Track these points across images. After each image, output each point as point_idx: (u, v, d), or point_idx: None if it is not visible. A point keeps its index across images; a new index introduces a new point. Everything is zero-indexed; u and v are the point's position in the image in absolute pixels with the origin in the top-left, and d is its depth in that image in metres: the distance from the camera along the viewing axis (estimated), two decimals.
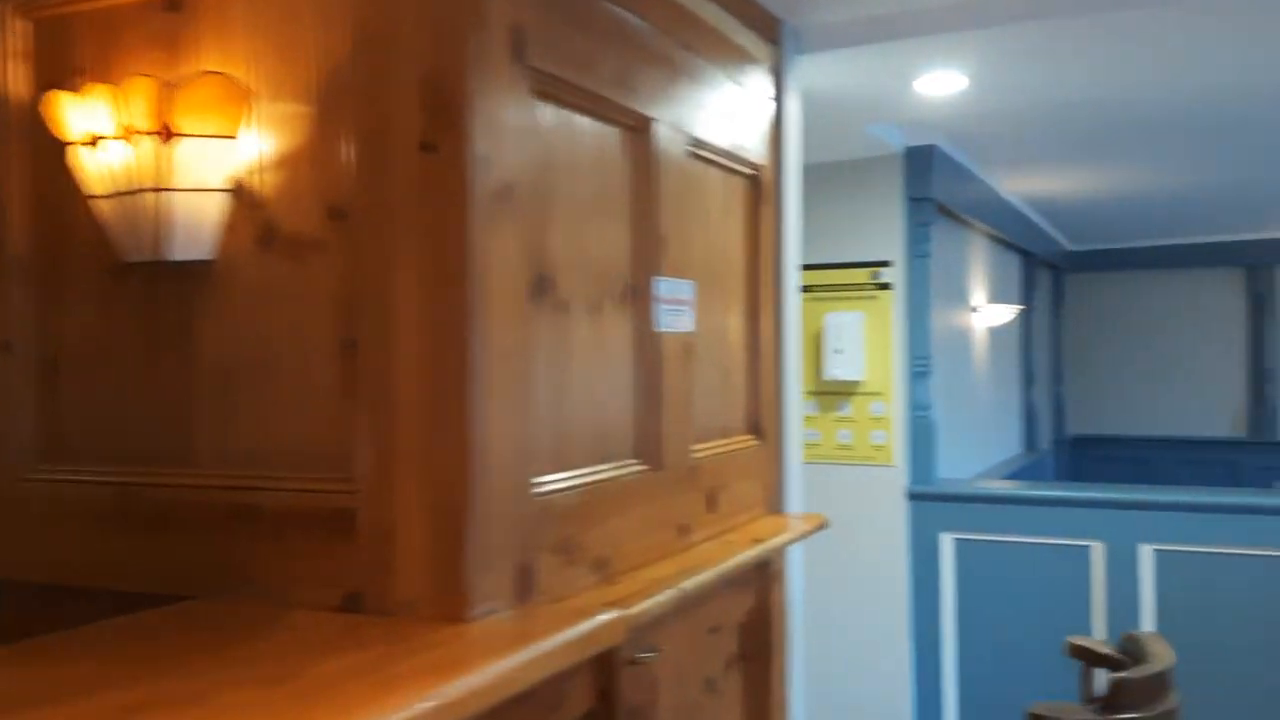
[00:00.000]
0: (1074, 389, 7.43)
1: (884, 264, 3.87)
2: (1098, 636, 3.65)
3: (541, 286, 1.60)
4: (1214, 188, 5.26)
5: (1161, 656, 1.75)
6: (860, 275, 3.89)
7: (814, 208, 3.96)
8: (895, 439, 3.86)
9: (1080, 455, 7.39)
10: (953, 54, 2.68)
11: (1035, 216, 6.07)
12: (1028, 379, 6.18)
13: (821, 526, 2.42)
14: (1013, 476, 5.50)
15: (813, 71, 2.69)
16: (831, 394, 3.93)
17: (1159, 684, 1.67)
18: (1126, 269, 7.31)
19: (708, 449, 2.12)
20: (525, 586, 1.50)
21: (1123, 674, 1.74)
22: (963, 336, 4.90)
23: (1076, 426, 7.43)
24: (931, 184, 3.81)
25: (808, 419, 3.96)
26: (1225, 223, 6.45)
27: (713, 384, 2.18)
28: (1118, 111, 3.53)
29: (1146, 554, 3.58)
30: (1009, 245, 5.82)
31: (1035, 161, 4.46)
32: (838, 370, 3.82)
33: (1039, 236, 6.30)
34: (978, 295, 5.10)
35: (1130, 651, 1.87)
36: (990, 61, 2.75)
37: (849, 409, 3.91)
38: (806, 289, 3.87)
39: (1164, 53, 2.78)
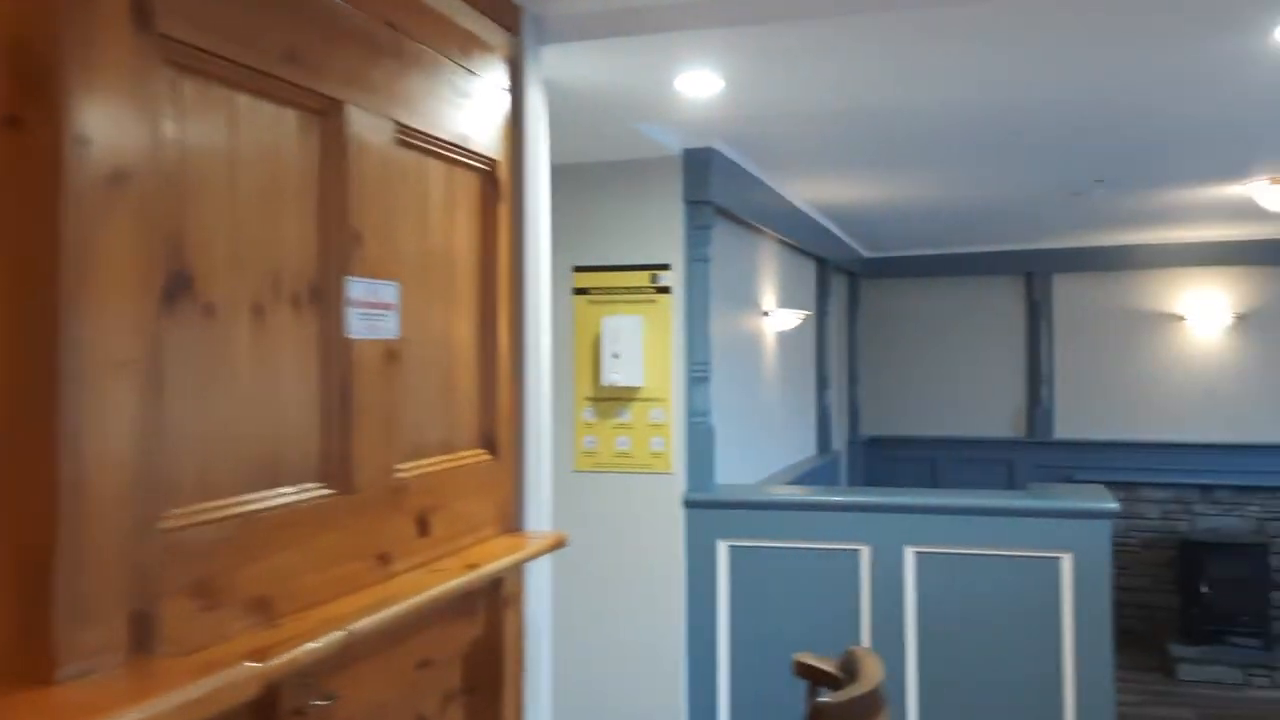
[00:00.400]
0: (869, 392, 7.64)
1: (663, 267, 3.80)
2: (865, 639, 3.68)
3: (177, 287, 1.38)
4: (995, 200, 5.47)
5: (870, 676, 1.70)
6: (639, 278, 3.80)
7: (591, 209, 3.85)
8: (673, 446, 3.79)
9: (874, 456, 7.61)
10: (706, 53, 2.60)
11: (830, 224, 6.19)
12: (822, 382, 6.29)
13: (559, 545, 2.28)
14: (804, 478, 5.56)
15: (562, 64, 2.56)
16: (610, 400, 3.82)
17: (863, 707, 1.61)
18: (918, 276, 7.57)
19: (419, 467, 1.95)
20: (144, 638, 1.29)
21: (823, 699, 1.68)
22: (753, 341, 4.91)
23: (871, 428, 7.64)
24: (710, 187, 3.76)
25: (585, 426, 3.84)
26: (1007, 233, 6.76)
27: (429, 395, 2.00)
28: (891, 122, 3.57)
29: (910, 556, 3.63)
30: (803, 252, 5.90)
31: (819, 169, 4.49)
32: (616, 376, 3.72)
33: (834, 244, 6.42)
34: (769, 300, 5.12)
35: (849, 669, 1.81)
36: (744, 63, 2.69)
37: (628, 415, 3.82)
38: (584, 292, 3.75)
39: (931, 64, 2.80)
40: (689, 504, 3.78)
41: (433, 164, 2.01)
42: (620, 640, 3.80)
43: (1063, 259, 7.21)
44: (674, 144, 3.67)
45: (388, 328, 1.84)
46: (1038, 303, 7.31)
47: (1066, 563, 3.54)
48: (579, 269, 3.84)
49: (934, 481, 7.51)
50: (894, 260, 7.56)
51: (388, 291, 1.83)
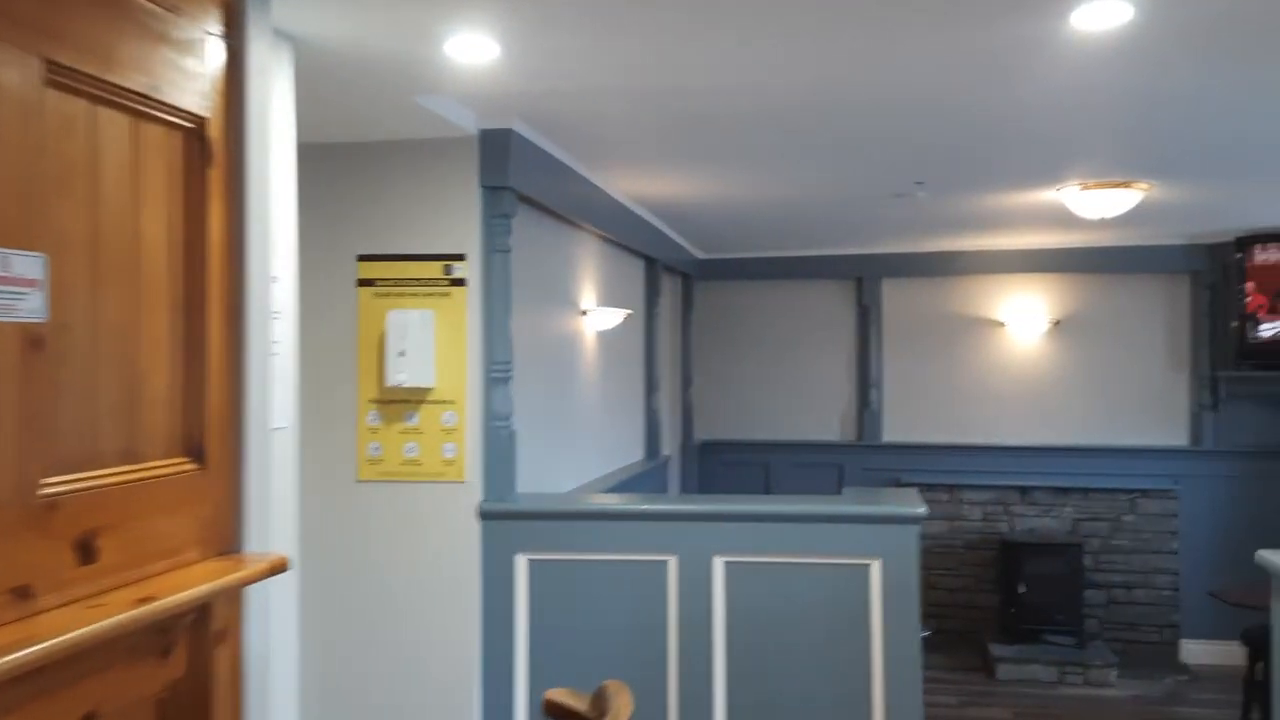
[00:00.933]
0: (703, 395, 7.53)
1: (458, 258, 3.50)
2: (672, 654, 3.48)
3: None
4: (822, 201, 5.39)
5: (618, 716, 1.47)
6: (431, 269, 3.50)
7: (378, 193, 3.52)
8: (468, 452, 3.50)
9: (708, 460, 7.50)
10: (474, 13, 2.33)
11: (659, 223, 6.01)
12: (651, 385, 6.10)
13: (279, 569, 1.96)
14: (629, 485, 5.35)
15: (309, 19, 2.24)
16: (397, 403, 3.50)
17: None
18: (752, 278, 7.51)
19: (82, 480, 1.60)
20: None
21: None
22: (570, 340, 4.66)
23: (705, 432, 7.52)
24: (510, 172, 3.49)
25: (370, 431, 3.51)
26: (837, 237, 6.74)
27: (101, 394, 1.66)
28: (700, 110, 3.38)
29: (719, 566, 3.45)
30: (630, 250, 5.70)
31: (636, 160, 4.29)
32: (401, 375, 3.40)
33: (665, 244, 6.25)
34: (588, 298, 4.89)
35: (599, 706, 1.58)
36: (519, 28, 2.43)
37: (417, 419, 3.50)
38: (369, 283, 3.43)
39: (727, 49, 2.61)
40: (485, 515, 3.50)
41: (108, 115, 1.67)
42: (408, 664, 3.48)
43: (891, 264, 7.26)
44: (468, 123, 3.39)
45: (29, 308, 1.49)
46: (867, 307, 7.34)
47: (876, 569, 3.42)
48: (364, 258, 3.51)
49: (767, 485, 7.45)
50: (728, 262, 7.47)
51: (29, 265, 1.49)
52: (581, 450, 4.82)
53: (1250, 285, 6.37)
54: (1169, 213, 5.60)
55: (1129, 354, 6.98)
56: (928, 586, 6.97)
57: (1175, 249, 6.81)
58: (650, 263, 6.11)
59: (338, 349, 3.51)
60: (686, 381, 7.27)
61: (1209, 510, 6.80)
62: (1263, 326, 6.32)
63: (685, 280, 7.29)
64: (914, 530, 3.42)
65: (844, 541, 3.42)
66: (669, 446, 6.88)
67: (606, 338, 5.22)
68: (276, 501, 2.18)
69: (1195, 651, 6.75)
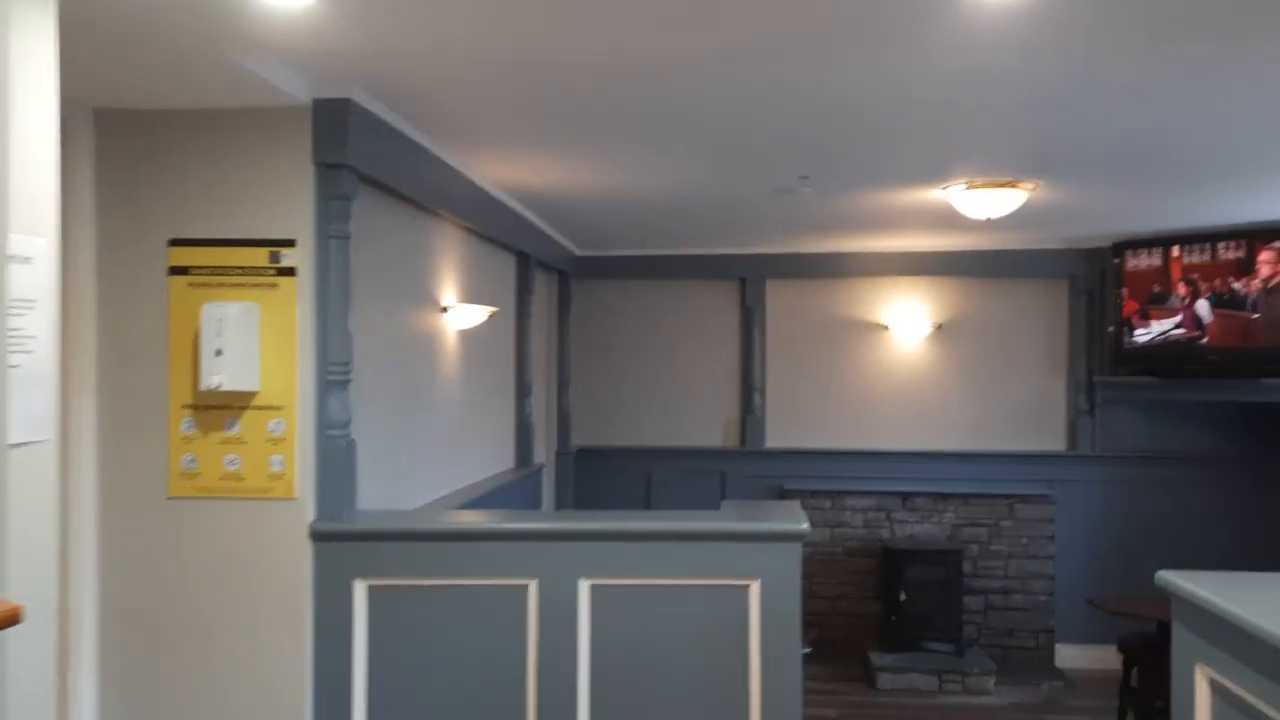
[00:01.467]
0: (581, 399, 7.19)
1: (286, 243, 3.07)
2: (530, 689, 3.13)
3: None
4: (704, 195, 5.13)
5: None
6: (255, 256, 3.06)
7: (193, 169, 3.07)
8: (299, 466, 3.07)
9: (586, 468, 7.16)
10: None
11: (533, 216, 5.65)
12: (522, 389, 5.73)
13: (11, 620, 1.54)
14: (495, 497, 4.97)
15: None
16: (216, 408, 3.05)
17: None
18: (632, 277, 7.21)
19: None
20: None
21: None
22: (426, 340, 4.26)
23: (583, 438, 7.19)
24: (349, 148, 3.08)
25: (183, 441, 3.05)
26: (720, 235, 6.50)
27: None
28: (563, 84, 3.04)
29: (584, 590, 3.11)
30: (500, 244, 5.32)
31: (498, 142, 3.92)
32: (218, 378, 2.95)
33: (539, 239, 5.90)
34: (448, 294, 4.49)
35: None
36: None
37: (238, 428, 3.06)
38: (183, 271, 2.98)
39: (612, 20, 2.29)
40: (318, 536, 3.08)
41: None
42: (228, 709, 3.04)
43: (775, 264, 7.06)
44: (299, 90, 2.96)
45: None
46: (751, 309, 7.12)
47: (755, 590, 3.14)
48: (177, 243, 3.04)
49: (648, 494, 7.16)
50: (607, 260, 7.15)
51: None
52: (441, 460, 4.42)
53: (1125, 291, 6.38)
54: (1050, 216, 5.53)
55: (1009, 359, 6.94)
56: (809, 595, 6.79)
57: (1054, 254, 6.80)
58: (522, 258, 5.74)
59: (146, 347, 3.04)
60: (563, 385, 6.92)
61: (1084, 515, 6.81)
62: (1138, 332, 6.34)
63: (562, 278, 6.95)
64: (795, 548, 3.16)
65: (721, 561, 3.13)
66: (543, 454, 6.52)
67: (471, 337, 4.83)
68: (16, 534, 1.75)
69: (1070, 656, 6.74)
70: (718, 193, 5.00)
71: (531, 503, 5.76)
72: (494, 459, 5.33)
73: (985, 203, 4.66)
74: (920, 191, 4.83)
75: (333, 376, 3.14)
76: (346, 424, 3.17)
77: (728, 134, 3.75)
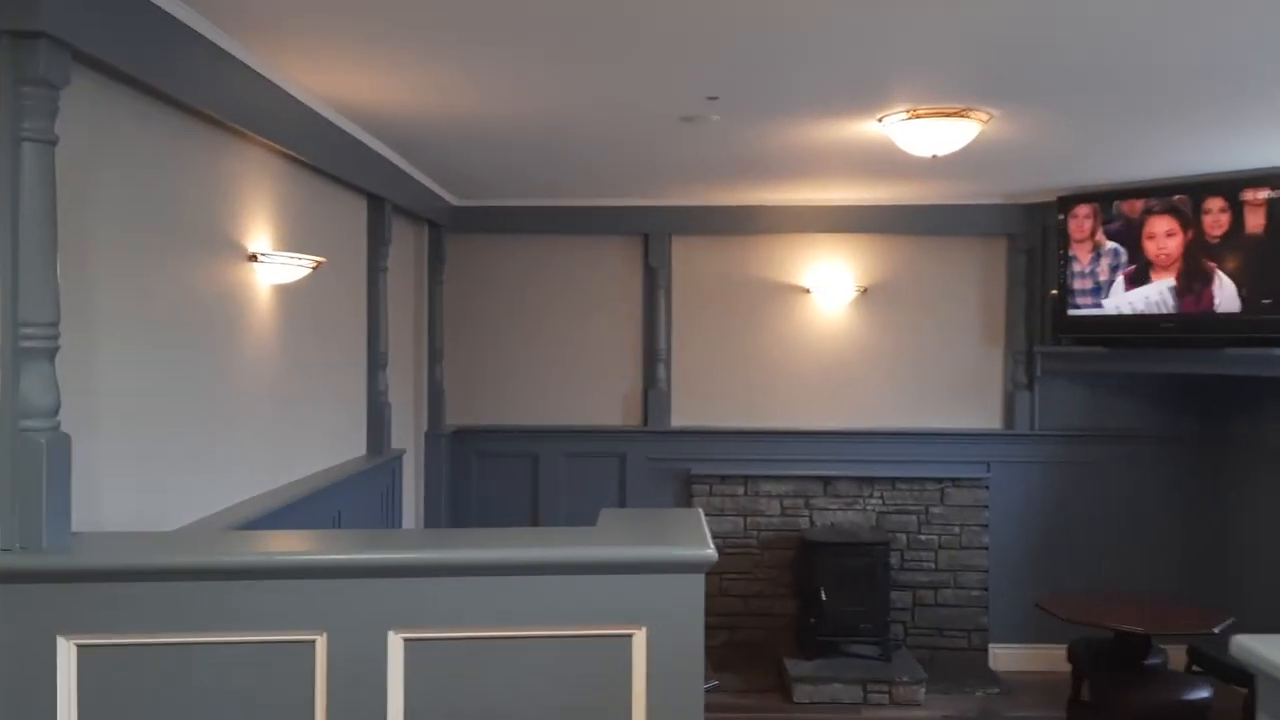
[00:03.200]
0: (457, 372, 6.24)
1: None
2: None
3: None
4: (600, 130, 4.22)
5: None
6: None
7: None
8: None
9: (462, 452, 6.22)
10: None
11: (391, 154, 4.67)
12: (375, 360, 4.75)
13: None
14: (329, 496, 4.01)
15: None
16: None
17: None
18: (520, 232, 6.26)
19: None
20: None
21: None
22: (221, 296, 3.26)
23: (459, 416, 6.24)
24: (45, 6, 2.08)
25: None
26: (619, 182, 5.58)
27: None
28: None
29: (395, 646, 2.20)
30: (343, 183, 4.32)
31: (310, 31, 2.94)
32: None
33: (400, 181, 4.91)
34: (260, 239, 3.50)
35: None
36: None
37: None
38: None
39: None
40: (1, 576, 2.10)
41: None
42: None
43: (682, 218, 6.18)
44: None
45: None
46: (655, 269, 6.24)
47: (639, 641, 2.26)
48: None
49: (535, 481, 6.26)
50: (490, 211, 6.19)
51: None
52: (251, 454, 3.45)
53: (1070, 250, 5.68)
54: (994, 160, 4.76)
55: (941, 326, 6.20)
56: (718, 593, 6.00)
57: (992, 209, 6.06)
58: (375, 202, 4.75)
59: None
60: (435, 355, 5.96)
61: (1022, 500, 6.14)
62: (1082, 296, 5.64)
63: (434, 231, 5.96)
64: (696, 583, 2.28)
65: (593, 603, 2.25)
66: (407, 438, 5.56)
67: (298, 297, 3.84)
68: None
69: (1006, 659, 6.09)
70: (611, 125, 4.09)
71: (386, 500, 4.81)
72: (336, 447, 4.36)
73: (931, 136, 3.84)
74: (853, 123, 3.99)
75: (28, 343, 2.15)
76: (52, 411, 2.18)
77: (617, 32, 2.84)
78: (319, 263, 3.63)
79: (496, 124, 4.09)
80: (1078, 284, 5.65)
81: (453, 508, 6.16)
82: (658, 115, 3.91)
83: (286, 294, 3.73)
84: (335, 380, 4.37)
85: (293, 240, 3.76)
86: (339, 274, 4.37)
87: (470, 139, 4.40)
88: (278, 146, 3.52)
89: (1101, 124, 4.06)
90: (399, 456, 4.98)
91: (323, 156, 3.87)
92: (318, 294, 4.07)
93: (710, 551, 2.28)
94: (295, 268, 3.56)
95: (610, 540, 2.40)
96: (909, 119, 3.80)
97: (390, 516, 4.84)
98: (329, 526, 4.02)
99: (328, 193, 4.23)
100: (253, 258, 3.42)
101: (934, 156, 3.98)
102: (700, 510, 2.69)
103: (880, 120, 3.89)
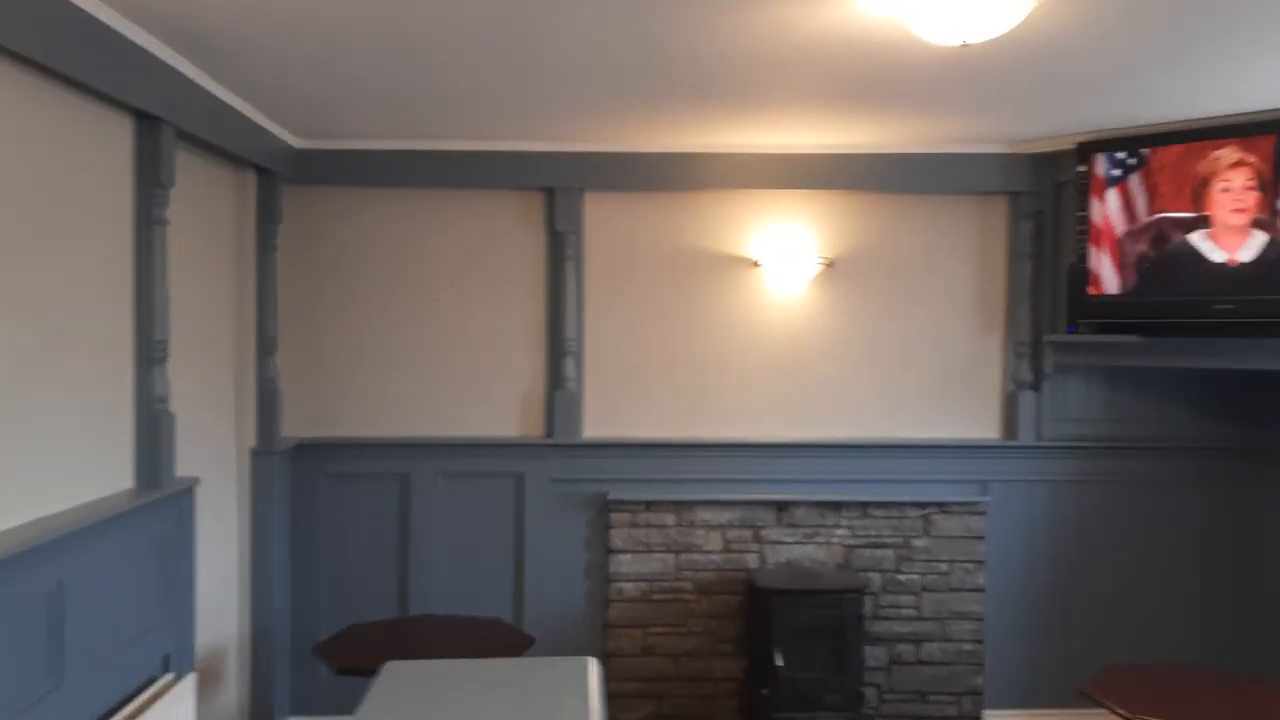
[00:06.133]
0: (297, 368, 4.76)
1: None
2: None
3: None
4: (480, 39, 2.82)
5: None
6: None
7: None
8: None
9: (304, 474, 4.75)
10: None
11: (178, 60, 3.20)
12: (149, 351, 3.27)
13: None
14: (38, 558, 2.54)
15: None
16: None
17: None
18: (381, 184, 4.80)
19: None
20: None
21: None
22: None
23: (300, 427, 4.77)
24: None
25: None
26: (511, 114, 4.17)
27: None
28: None
29: None
30: (78, 86, 2.83)
31: None
32: None
33: (192, 97, 3.45)
34: None
35: None
36: None
37: None
38: None
39: None
40: None
41: None
42: None
43: (596, 168, 4.78)
44: None
45: None
46: (561, 235, 4.83)
47: None
48: None
49: (405, 514, 4.82)
50: (341, 157, 4.72)
51: None
52: None
53: (1095, 212, 4.42)
54: (1012, 77, 3.46)
55: (925, 310, 4.91)
56: (641, 652, 4.65)
57: (992, 160, 4.78)
58: (147, 125, 3.26)
59: None
60: (266, 346, 4.48)
61: (1025, 528, 4.88)
62: (1109, 272, 4.39)
63: (265, 180, 4.47)
64: None
65: None
66: (214, 458, 4.07)
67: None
68: None
69: None
70: (502, 52, 2.69)
71: (165, 554, 3.32)
72: (68, 483, 2.87)
73: (965, 10, 2.50)
74: None
75: None
76: None
77: None
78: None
79: (328, 10, 2.66)
80: (1102, 256, 4.39)
81: (294, 548, 4.69)
82: None
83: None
84: (81, 379, 2.88)
85: None
86: (75, 225, 2.89)
87: (297, 36, 2.96)
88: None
89: (1181, 32, 2.78)
90: (188, 488, 3.50)
91: (30, 38, 2.40)
92: (17, 243, 2.59)
93: None
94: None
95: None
96: None
97: (169, 579, 3.36)
98: (32, 616, 2.55)
99: (50, 99, 2.75)
100: None
101: (964, 44, 2.65)
102: (592, 664, 1.31)
103: None
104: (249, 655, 4.42)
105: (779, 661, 4.38)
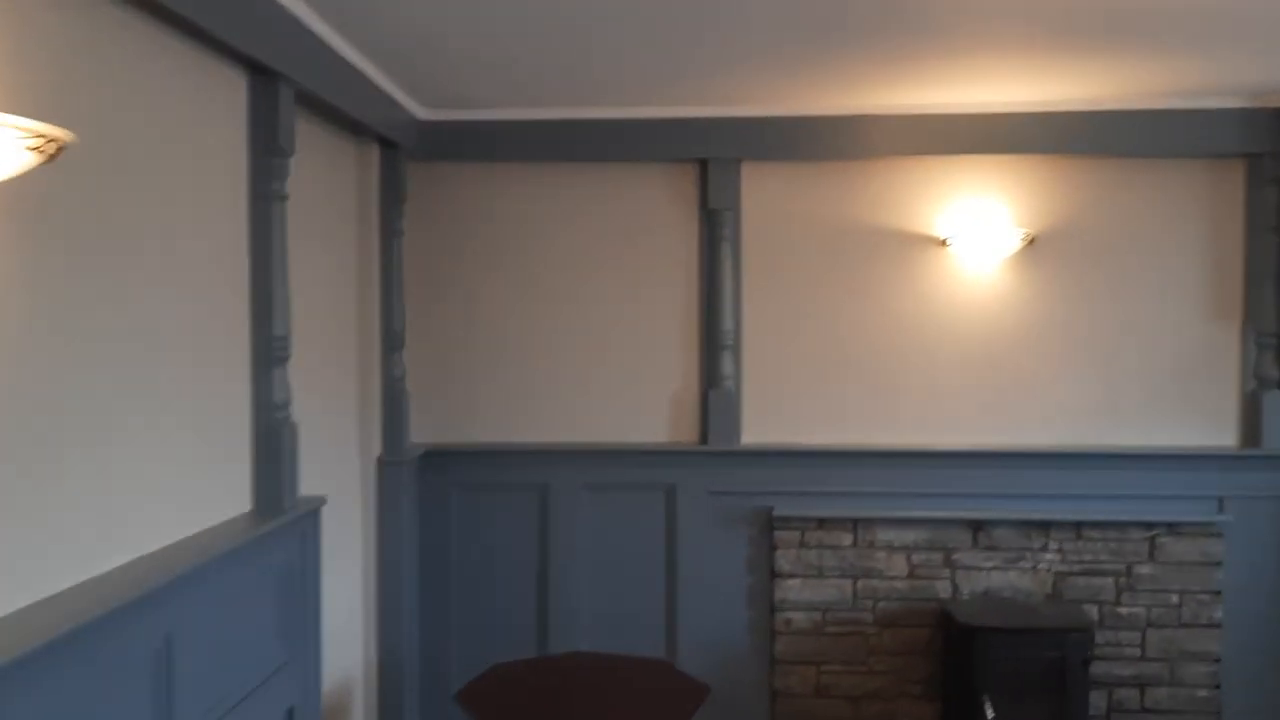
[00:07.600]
0: (426, 368, 4.26)
1: None
2: None
3: None
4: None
5: None
6: None
7: None
8: None
9: (432, 484, 4.24)
10: None
11: (315, 20, 2.71)
12: (270, 347, 2.77)
13: None
14: (144, 610, 2.05)
15: None
16: None
17: None
18: (516, 159, 4.26)
19: None
20: None
21: None
22: None
23: (430, 433, 4.27)
24: None
25: None
26: (663, 76, 3.60)
27: None
28: None
29: None
30: (207, 41, 2.33)
31: None
32: None
33: (322, 59, 2.96)
34: None
35: None
36: None
37: None
38: None
39: None
40: None
41: None
42: None
43: (756, 135, 4.17)
44: None
45: None
46: (716, 213, 4.23)
47: None
48: None
49: (544, 528, 4.28)
50: (473, 129, 4.20)
51: None
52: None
53: None
54: (1264, 7, 2.74)
55: (1143, 293, 4.18)
56: (814, 693, 4.02)
57: (1226, 116, 4.02)
58: (266, 82, 2.76)
59: None
60: (392, 341, 3.98)
61: (1272, 553, 4.11)
62: None
63: (389, 155, 3.97)
64: None
65: None
66: (338, 471, 3.58)
67: (55, 210, 1.85)
68: None
69: None
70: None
71: (289, 589, 2.82)
72: (174, 512, 2.37)
73: None
74: None
75: None
76: None
77: None
78: (50, 140, 1.60)
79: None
80: None
81: (423, 570, 4.19)
82: None
83: (20, 205, 1.74)
84: (171, 385, 2.38)
85: (44, 102, 1.77)
86: (183, 203, 2.40)
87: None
88: None
89: None
90: (314, 511, 2.99)
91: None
92: (115, 220, 2.10)
93: None
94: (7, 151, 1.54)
95: None
96: None
97: (292, 617, 2.85)
98: (135, 679, 2.06)
99: (165, 50, 2.26)
100: None
101: None
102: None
103: None
104: (374, 695, 3.92)
105: (990, 714, 3.71)
